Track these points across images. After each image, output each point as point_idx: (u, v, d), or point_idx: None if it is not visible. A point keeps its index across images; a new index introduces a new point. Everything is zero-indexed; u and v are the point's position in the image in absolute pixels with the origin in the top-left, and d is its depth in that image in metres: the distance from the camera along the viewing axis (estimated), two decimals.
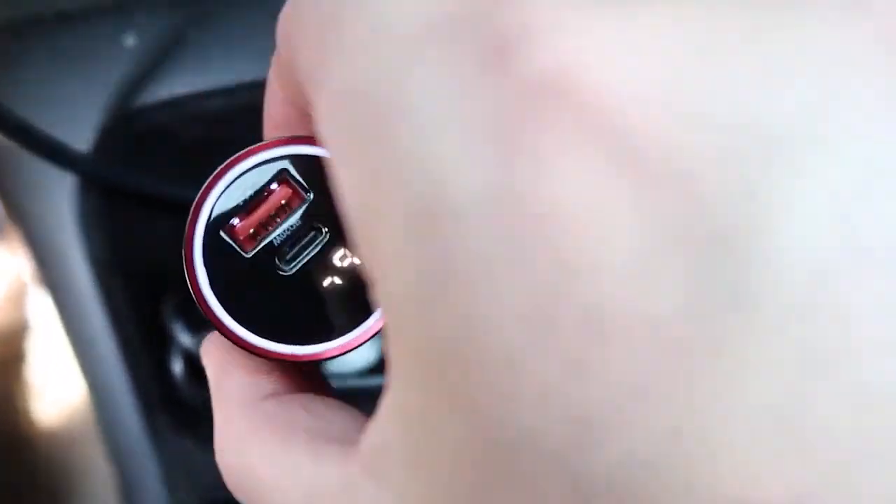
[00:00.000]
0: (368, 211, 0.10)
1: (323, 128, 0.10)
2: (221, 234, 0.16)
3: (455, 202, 0.08)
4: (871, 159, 0.07)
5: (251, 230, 0.16)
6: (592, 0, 0.08)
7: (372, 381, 0.34)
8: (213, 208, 0.16)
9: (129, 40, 0.28)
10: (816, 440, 0.07)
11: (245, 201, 0.16)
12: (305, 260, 0.16)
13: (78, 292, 0.29)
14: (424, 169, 0.08)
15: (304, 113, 0.16)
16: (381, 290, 0.10)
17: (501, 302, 0.08)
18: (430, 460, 0.10)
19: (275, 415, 0.16)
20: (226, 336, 0.16)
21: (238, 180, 0.16)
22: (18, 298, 0.78)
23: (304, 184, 0.16)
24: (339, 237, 0.16)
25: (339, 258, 0.16)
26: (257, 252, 0.16)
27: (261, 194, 0.16)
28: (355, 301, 0.16)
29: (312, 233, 0.16)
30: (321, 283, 0.17)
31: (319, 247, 0.16)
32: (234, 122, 0.29)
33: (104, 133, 0.28)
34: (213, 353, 0.18)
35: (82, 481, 0.74)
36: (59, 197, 0.28)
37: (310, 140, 0.16)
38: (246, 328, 0.16)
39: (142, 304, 0.31)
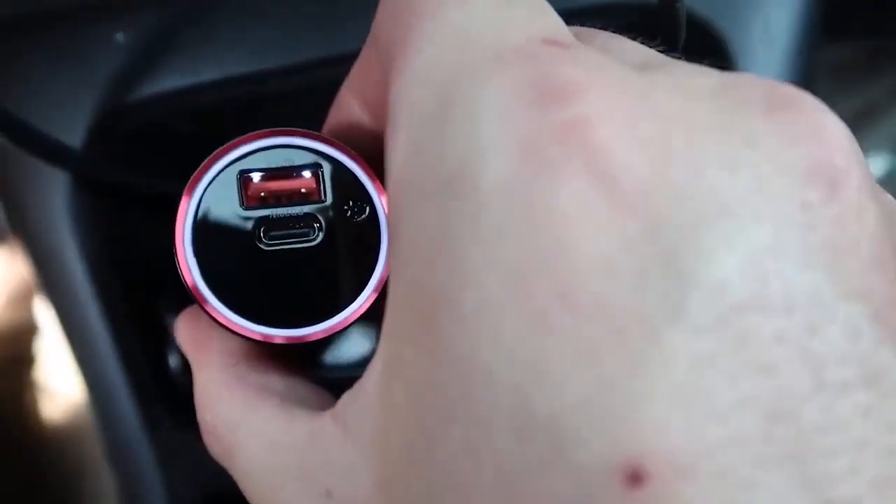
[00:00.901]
0: (407, 172, 0.12)
1: (394, 96, 0.13)
2: (236, 174, 0.17)
3: (481, 180, 0.11)
4: (774, 231, 0.10)
5: (262, 192, 0.17)
6: (622, 73, 0.12)
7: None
8: (241, 155, 0.17)
9: (120, 37, 0.28)
10: (707, 415, 0.10)
11: (273, 168, 0.17)
12: (286, 246, 0.17)
13: (73, 289, 0.29)
14: (462, 153, 0.11)
15: (375, 117, 0.17)
16: (395, 245, 0.12)
17: (491, 263, 0.11)
18: (393, 401, 0.12)
19: (248, 376, 0.17)
20: (200, 304, 0.17)
21: (279, 150, 0.17)
22: (25, 299, 0.79)
23: (328, 189, 0.17)
24: (327, 246, 0.17)
25: (314, 260, 0.17)
26: (251, 211, 0.17)
27: (289, 172, 0.17)
28: (314, 299, 0.17)
29: (307, 230, 0.17)
30: (289, 272, 0.17)
31: (305, 244, 0.17)
32: (225, 116, 0.30)
33: (96, 129, 0.28)
34: (190, 324, 0.19)
35: (89, 481, 0.74)
36: (52, 195, 0.29)
37: (358, 159, 0.17)
38: (221, 301, 0.17)
39: (138, 299, 0.31)
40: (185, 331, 0.20)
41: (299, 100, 0.30)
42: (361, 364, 0.36)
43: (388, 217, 0.13)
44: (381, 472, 0.13)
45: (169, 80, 0.28)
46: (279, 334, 0.17)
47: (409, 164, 0.12)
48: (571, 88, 0.11)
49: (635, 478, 0.09)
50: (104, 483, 0.75)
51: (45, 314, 0.80)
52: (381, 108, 0.16)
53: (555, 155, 0.11)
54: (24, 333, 0.79)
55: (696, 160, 0.11)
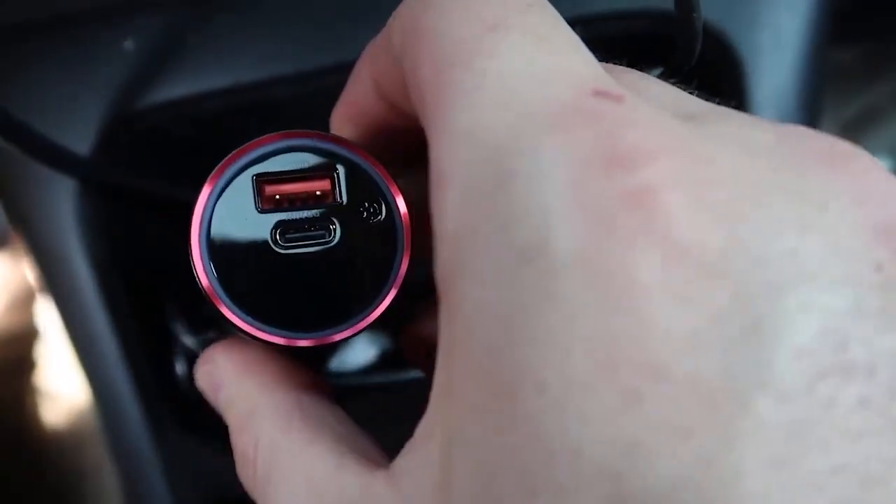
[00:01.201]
0: (466, 235, 0.12)
1: (441, 152, 0.13)
2: (251, 177, 0.16)
3: (555, 252, 0.11)
4: (852, 294, 0.11)
5: (277, 195, 0.17)
6: (682, 132, 0.12)
7: (371, 379, 0.34)
8: (256, 158, 0.17)
9: (128, 44, 0.28)
10: (805, 486, 0.10)
11: (288, 171, 0.17)
12: (303, 249, 0.17)
13: (80, 295, 0.29)
14: (531, 222, 0.11)
15: (391, 107, 0.17)
16: (455, 304, 0.12)
17: (575, 338, 0.10)
18: (459, 475, 0.12)
19: (307, 407, 0.17)
20: (216, 307, 0.16)
21: (293, 153, 0.17)
22: (27, 303, 0.79)
23: (344, 190, 0.17)
24: (344, 247, 0.17)
25: (331, 263, 0.17)
26: (267, 214, 0.17)
27: (304, 174, 0.17)
28: (333, 302, 0.17)
29: (322, 232, 0.17)
30: (307, 275, 0.17)
31: (321, 246, 0.17)
32: (232, 123, 0.30)
33: (104, 136, 0.28)
34: (226, 352, 0.18)
35: (90, 484, 0.74)
36: (59, 200, 0.28)
37: (373, 160, 0.17)
38: (238, 305, 0.17)
39: (144, 306, 0.31)
40: (221, 353, 0.19)
41: (306, 106, 0.30)
42: (366, 371, 0.36)
43: (442, 264, 0.12)
44: None
45: (176, 87, 0.28)
46: (301, 338, 0.17)
47: (469, 225, 0.12)
48: (636, 154, 0.11)
49: None
50: (104, 485, 0.75)
51: (46, 318, 0.80)
52: (389, 90, 0.16)
53: (628, 224, 0.11)
54: (26, 337, 0.79)
55: (769, 224, 0.11)
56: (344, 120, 0.19)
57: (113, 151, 0.29)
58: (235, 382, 0.18)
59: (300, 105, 0.29)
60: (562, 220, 0.11)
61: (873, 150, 0.13)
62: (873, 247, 0.11)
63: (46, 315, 0.80)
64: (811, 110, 0.30)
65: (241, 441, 0.17)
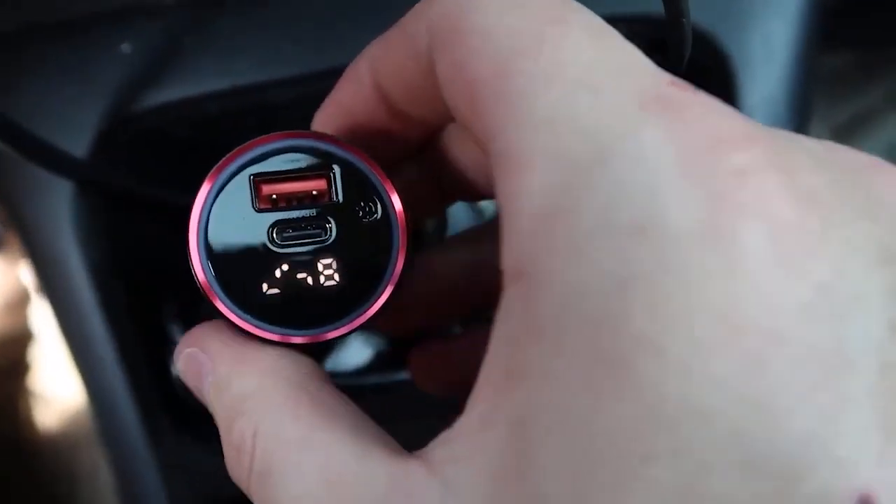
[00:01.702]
0: (559, 216, 0.12)
1: (514, 139, 0.13)
2: (248, 177, 0.17)
3: (673, 225, 0.11)
4: None
5: (274, 195, 0.17)
6: (762, 130, 0.12)
7: (367, 380, 0.34)
8: (254, 158, 0.17)
9: (125, 47, 0.28)
10: None
11: (285, 171, 0.17)
12: (298, 248, 0.17)
13: (77, 297, 0.29)
14: (639, 199, 0.11)
15: (387, 108, 0.17)
16: (553, 291, 0.12)
17: (697, 304, 0.11)
18: (543, 452, 0.11)
19: (317, 395, 0.15)
20: (213, 304, 0.16)
21: (290, 153, 0.17)
22: (21, 306, 0.79)
23: (340, 189, 0.17)
24: (339, 246, 0.17)
25: (326, 262, 0.17)
26: (263, 214, 0.17)
27: (301, 174, 0.17)
28: (328, 300, 0.17)
29: (319, 231, 0.17)
30: (303, 273, 0.17)
31: (317, 245, 0.17)
32: (229, 126, 0.30)
33: (101, 139, 0.28)
34: (221, 330, 0.17)
35: (85, 488, 0.74)
36: (56, 203, 0.29)
37: (368, 159, 0.17)
38: (234, 302, 0.17)
39: (141, 308, 0.31)
40: (211, 334, 0.17)
41: (303, 109, 0.30)
42: (361, 372, 0.36)
43: (518, 252, 0.12)
44: None
45: (174, 90, 0.28)
46: (295, 335, 0.17)
47: (564, 207, 0.12)
48: (733, 138, 0.12)
49: (865, 502, 0.10)
50: (99, 488, 0.75)
51: (40, 321, 0.80)
52: (394, 90, 0.17)
53: (738, 200, 0.11)
54: (21, 340, 0.79)
55: (850, 212, 0.12)
56: (331, 120, 0.19)
57: (110, 154, 0.29)
58: (228, 364, 0.16)
59: (298, 108, 0.30)
60: (674, 195, 0.11)
61: (869, 152, 0.14)
62: None
63: (41, 318, 0.79)
64: (801, 116, 0.30)
65: (236, 429, 0.15)
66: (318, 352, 0.18)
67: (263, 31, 0.28)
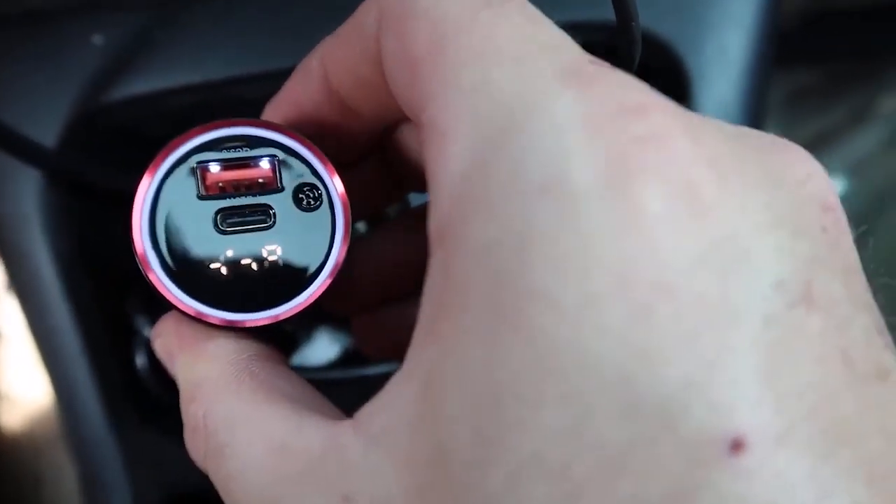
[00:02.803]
0: (477, 177, 0.13)
1: (441, 109, 0.13)
2: (193, 164, 0.17)
3: (575, 184, 0.12)
4: (810, 243, 0.13)
5: (219, 182, 0.17)
6: (671, 102, 0.13)
7: (332, 375, 0.34)
8: (199, 143, 0.17)
9: (97, 39, 0.28)
10: (787, 394, 0.11)
11: (231, 159, 0.17)
12: (243, 234, 0.17)
13: (42, 288, 0.29)
14: (547, 160, 0.12)
15: (336, 102, 0.18)
16: (466, 250, 0.13)
17: (593, 259, 0.12)
18: (451, 400, 0.12)
19: (259, 373, 0.16)
20: (151, 283, 0.17)
21: (234, 141, 0.17)
22: None
23: (284, 177, 0.17)
24: (283, 232, 0.17)
25: (271, 248, 0.17)
26: (209, 200, 0.17)
27: (247, 162, 0.17)
28: (269, 286, 0.17)
29: (263, 217, 0.17)
30: (246, 259, 0.17)
31: (261, 232, 0.17)
32: (200, 120, 0.30)
33: (71, 130, 0.29)
34: (180, 320, 0.18)
35: (48, 489, 0.73)
36: (23, 193, 0.29)
37: (312, 147, 0.18)
38: (175, 283, 0.17)
39: (108, 300, 0.31)
40: (172, 325, 0.19)
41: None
42: (328, 367, 0.36)
43: (440, 216, 0.13)
44: (417, 477, 0.13)
45: (145, 83, 0.29)
46: (238, 319, 0.17)
47: (480, 169, 0.13)
48: (641, 106, 0.12)
49: (737, 446, 0.11)
50: (63, 491, 0.74)
51: (4, 320, 0.79)
52: (345, 83, 0.17)
53: (640, 162, 0.12)
54: None
55: (748, 180, 0.13)
56: (280, 114, 0.19)
57: (79, 146, 0.29)
58: (181, 351, 0.18)
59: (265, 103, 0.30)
60: (579, 157, 0.12)
61: (830, 170, 0.15)
62: (819, 214, 0.13)
63: (6, 317, 0.78)
64: (755, 127, 0.31)
65: (190, 413, 0.16)
66: (281, 342, 0.18)
67: (236, 26, 0.29)
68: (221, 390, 0.16)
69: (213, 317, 0.17)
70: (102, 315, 0.31)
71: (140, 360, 0.32)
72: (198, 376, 0.17)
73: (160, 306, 0.32)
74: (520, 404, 0.12)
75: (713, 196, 0.12)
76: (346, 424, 0.14)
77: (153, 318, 0.32)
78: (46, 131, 0.28)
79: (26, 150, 0.26)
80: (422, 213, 0.23)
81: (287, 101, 0.19)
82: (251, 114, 0.28)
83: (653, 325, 0.11)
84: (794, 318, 0.12)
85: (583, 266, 0.12)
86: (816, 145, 0.77)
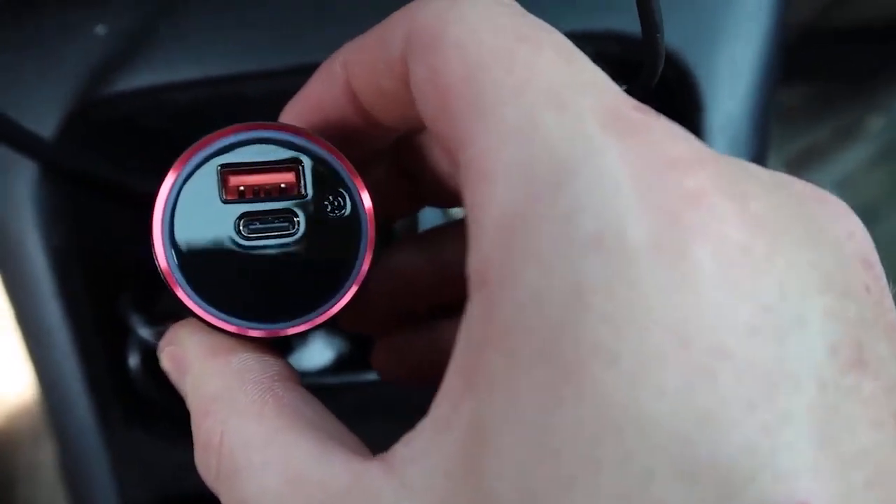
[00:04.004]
0: (520, 225, 0.12)
1: (482, 149, 0.13)
2: (216, 168, 0.16)
3: (628, 240, 0.12)
4: (856, 306, 0.13)
5: (241, 187, 0.17)
6: (716, 156, 0.13)
7: (327, 381, 0.34)
8: (222, 147, 0.16)
9: (100, 29, 0.28)
10: (844, 462, 0.11)
11: (254, 162, 0.17)
12: (266, 241, 0.17)
13: (34, 281, 0.29)
14: (599, 213, 0.12)
15: (356, 108, 0.17)
16: (514, 296, 0.12)
17: (650, 317, 0.11)
18: (496, 456, 0.12)
19: (282, 397, 0.16)
20: (173, 291, 0.16)
21: (259, 144, 0.17)
22: None
23: (309, 184, 0.17)
24: (306, 240, 0.17)
25: (295, 256, 0.17)
26: (230, 205, 0.17)
27: (269, 166, 0.17)
28: (291, 295, 0.17)
29: (286, 224, 0.17)
30: (267, 266, 0.17)
31: (283, 239, 0.17)
32: (200, 116, 0.29)
33: (69, 121, 0.28)
34: (198, 329, 0.17)
35: (22, 487, 0.71)
36: (18, 183, 0.28)
37: (338, 154, 0.17)
38: (196, 291, 0.16)
39: (100, 296, 0.30)
40: (186, 335, 0.18)
41: (274, 104, 0.30)
42: (322, 372, 0.36)
43: (482, 258, 0.13)
44: None
45: (146, 76, 0.28)
46: (252, 328, 0.17)
47: (527, 216, 0.12)
48: (688, 160, 0.12)
49: None
50: (38, 490, 0.72)
51: None
52: (365, 92, 0.17)
53: (691, 220, 0.12)
54: None
55: (793, 240, 0.13)
56: (300, 115, 0.19)
57: (77, 138, 0.28)
58: (201, 363, 0.17)
59: (269, 102, 0.30)
60: (630, 212, 0.12)
61: (819, 185, 0.15)
62: (862, 272, 0.13)
63: None
64: (762, 138, 0.31)
65: (204, 427, 0.16)
66: (278, 347, 0.18)
67: (240, 22, 0.28)
68: (242, 410, 0.15)
69: (227, 323, 0.16)
70: (94, 311, 0.30)
71: (133, 361, 0.31)
72: (216, 391, 0.16)
73: (155, 304, 0.32)
74: (575, 464, 0.11)
75: (763, 256, 0.12)
76: (375, 465, 0.14)
77: (147, 317, 0.31)
78: (44, 122, 0.27)
79: (22, 141, 0.25)
80: (434, 236, 0.23)
81: (308, 103, 0.18)
82: (254, 112, 0.28)
83: (713, 389, 0.11)
84: (847, 382, 0.12)
85: (640, 323, 0.11)
86: (804, 162, 0.78)
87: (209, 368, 0.17)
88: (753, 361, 0.11)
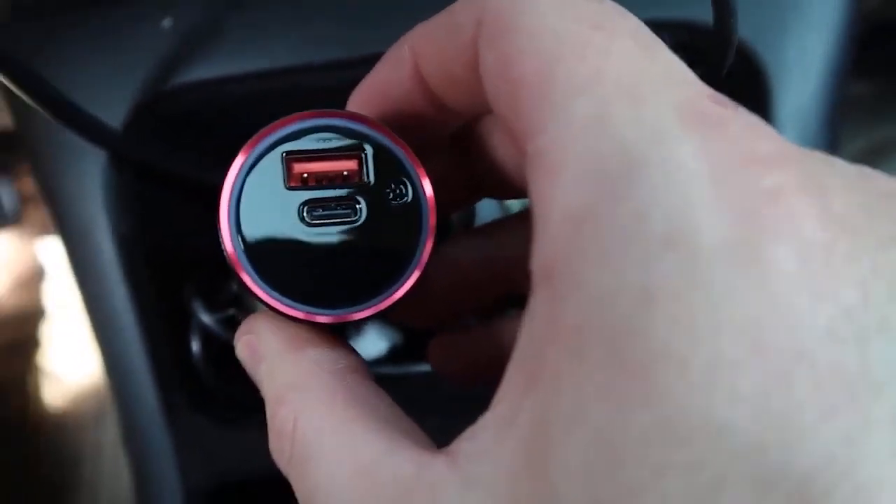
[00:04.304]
0: (589, 221, 0.12)
1: (553, 139, 0.13)
2: (281, 154, 0.17)
3: (702, 240, 0.11)
4: None
5: (305, 174, 0.17)
6: (798, 151, 0.12)
7: (380, 371, 0.34)
8: (287, 135, 0.17)
9: (167, 22, 0.28)
10: None
11: (317, 150, 0.17)
12: (329, 227, 0.17)
13: (101, 267, 0.29)
14: (672, 211, 0.11)
15: (425, 93, 0.17)
16: (581, 295, 0.12)
17: (724, 320, 0.11)
18: (558, 457, 0.12)
19: (357, 386, 0.16)
20: (240, 279, 0.16)
21: (323, 132, 0.17)
22: (34, 283, 0.79)
23: (372, 171, 0.17)
24: (369, 227, 0.17)
25: (357, 243, 0.17)
26: (294, 191, 0.17)
27: (332, 154, 0.17)
28: (356, 280, 0.17)
29: (348, 211, 0.17)
30: (331, 253, 0.17)
31: (346, 225, 0.17)
32: (263, 108, 0.30)
33: (136, 112, 0.29)
34: (275, 319, 0.18)
35: (87, 466, 0.74)
36: (88, 171, 0.29)
37: (401, 142, 0.17)
38: (262, 278, 0.17)
39: (164, 283, 0.31)
40: (264, 325, 0.18)
41: (336, 96, 0.30)
42: (376, 363, 0.36)
43: (548, 254, 0.13)
44: None
45: (212, 68, 0.29)
46: (320, 314, 0.17)
47: (596, 212, 0.12)
48: (768, 156, 0.12)
49: None
50: (102, 469, 0.75)
51: (52, 299, 0.80)
52: (434, 76, 0.17)
53: (769, 219, 0.11)
54: (31, 317, 0.79)
55: (878, 239, 0.12)
56: (366, 101, 0.19)
57: (143, 128, 0.29)
58: (277, 354, 0.17)
59: (332, 94, 0.30)
60: (705, 210, 0.11)
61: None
62: None
63: (53, 296, 0.80)
64: (832, 131, 0.30)
65: (279, 415, 0.16)
66: (340, 332, 0.18)
67: (303, 14, 0.29)
68: (316, 400, 0.16)
69: (294, 310, 0.17)
70: (159, 298, 0.31)
71: (195, 346, 0.32)
72: (291, 381, 0.16)
73: (219, 293, 0.33)
74: (642, 469, 0.11)
75: (846, 257, 0.11)
76: (440, 459, 0.14)
77: (211, 303, 0.32)
78: (113, 111, 0.28)
79: (93, 130, 0.26)
80: (491, 230, 0.23)
81: (374, 88, 0.18)
82: (316, 104, 0.28)
83: (791, 395, 0.11)
84: None
85: (713, 327, 0.11)
86: (868, 159, 0.75)
87: (285, 358, 0.17)
88: (834, 367, 0.11)
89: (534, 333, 0.13)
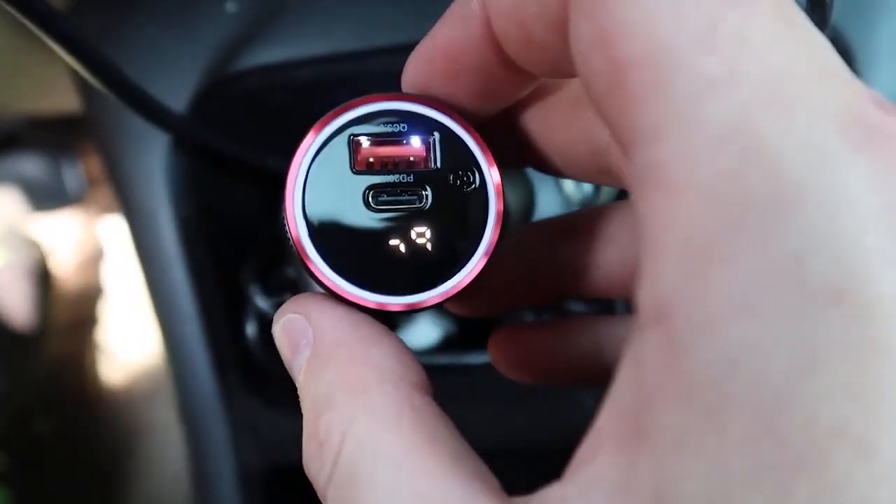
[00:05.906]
0: (729, 260, 0.10)
1: (674, 153, 0.10)
2: (348, 137, 0.16)
3: (875, 298, 0.09)
4: None
5: (371, 158, 0.17)
6: None
7: (434, 361, 0.34)
8: (354, 119, 0.16)
9: (230, 6, 0.28)
10: None
11: (384, 133, 0.17)
12: (393, 213, 0.17)
13: (162, 248, 0.30)
14: (838, 256, 0.09)
15: (494, 49, 0.15)
16: (712, 349, 0.10)
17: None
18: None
19: (420, 410, 0.13)
20: (309, 270, 0.16)
21: (391, 116, 0.17)
22: (94, 263, 0.82)
23: (439, 157, 0.17)
24: (434, 213, 0.16)
25: (422, 229, 0.17)
26: (360, 176, 0.16)
27: (399, 138, 0.17)
28: (423, 267, 0.16)
29: (415, 198, 0.17)
30: (397, 239, 0.17)
31: (412, 212, 0.16)
32: (325, 93, 0.30)
33: (200, 96, 0.29)
34: (326, 309, 0.15)
35: (142, 442, 0.76)
36: (152, 154, 0.29)
37: (469, 128, 0.17)
38: (332, 267, 0.16)
39: (222, 266, 0.31)
40: (319, 308, 0.16)
41: (398, 80, 0.30)
42: (429, 352, 0.36)
43: (662, 288, 0.11)
44: None
45: (274, 53, 0.28)
46: (390, 302, 0.16)
47: (733, 248, 0.10)
48: None
49: None
50: (156, 445, 0.77)
51: (113, 278, 0.83)
52: (511, 39, 0.14)
53: None
54: (92, 296, 0.81)
55: None
56: (428, 62, 0.16)
57: (206, 112, 0.29)
58: (333, 345, 0.14)
59: (395, 78, 0.29)
60: (882, 259, 0.09)
61: None
62: None
63: (114, 275, 0.82)
64: None
65: (323, 422, 0.13)
66: (391, 324, 0.17)
67: None
68: (377, 413, 0.13)
69: (362, 298, 0.16)
70: (217, 280, 0.31)
71: (251, 329, 0.32)
72: (347, 382, 0.14)
73: (275, 276, 0.33)
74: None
75: None
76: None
77: (267, 289, 0.32)
78: (177, 95, 0.28)
79: (158, 114, 0.26)
80: (561, 225, 0.21)
81: (437, 48, 0.16)
82: (383, 87, 0.28)
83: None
84: None
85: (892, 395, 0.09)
86: None
87: (340, 353, 0.14)
88: None
89: (643, 379, 0.11)
